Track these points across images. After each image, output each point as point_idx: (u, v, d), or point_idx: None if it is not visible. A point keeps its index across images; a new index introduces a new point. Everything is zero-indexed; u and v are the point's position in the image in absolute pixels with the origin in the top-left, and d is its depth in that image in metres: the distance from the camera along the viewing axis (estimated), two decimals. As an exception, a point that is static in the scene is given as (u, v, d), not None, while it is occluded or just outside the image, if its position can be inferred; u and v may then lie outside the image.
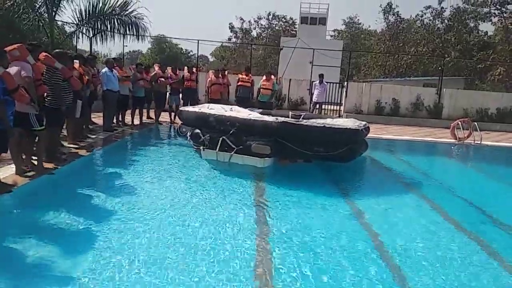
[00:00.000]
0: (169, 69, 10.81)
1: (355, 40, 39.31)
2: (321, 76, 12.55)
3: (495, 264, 3.46)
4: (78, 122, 7.17)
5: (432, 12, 30.81)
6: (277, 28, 40.95)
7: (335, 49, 22.28)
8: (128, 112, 9.69)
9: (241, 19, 40.12)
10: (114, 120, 9.16)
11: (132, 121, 9.75)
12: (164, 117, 10.78)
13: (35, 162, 5.24)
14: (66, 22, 13.19)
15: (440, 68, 20.55)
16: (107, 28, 12.61)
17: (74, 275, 2.80)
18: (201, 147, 6.66)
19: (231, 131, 6.30)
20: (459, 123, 10.81)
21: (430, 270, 3.25)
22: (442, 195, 5.75)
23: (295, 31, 36.10)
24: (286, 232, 3.81)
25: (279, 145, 6.11)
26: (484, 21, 27.92)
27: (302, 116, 7.89)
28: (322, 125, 6.18)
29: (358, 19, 43.21)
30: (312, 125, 6.17)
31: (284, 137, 6.10)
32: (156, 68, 10.59)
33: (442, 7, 30.20)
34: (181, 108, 8.19)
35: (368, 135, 7.19)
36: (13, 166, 4.92)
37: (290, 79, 16.03)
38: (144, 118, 10.33)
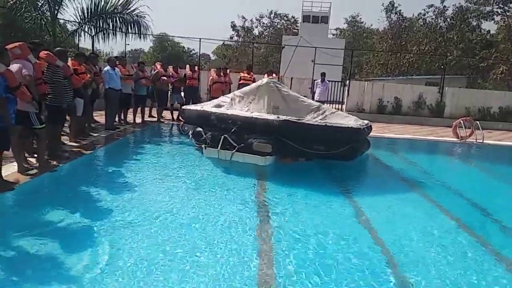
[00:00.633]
0: (170, 68, 10.82)
1: (357, 39, 39.22)
2: (323, 74, 12.54)
3: (498, 264, 3.44)
4: (80, 120, 7.20)
5: (434, 10, 30.71)
6: (279, 26, 40.89)
7: (337, 47, 22.25)
8: (130, 110, 9.71)
9: (243, 17, 40.13)
10: (116, 119, 9.18)
11: (134, 120, 9.77)
12: (166, 115, 10.80)
13: (36, 160, 5.26)
14: (68, 21, 13.21)
15: (442, 66, 20.50)
16: (109, 26, 12.59)
17: (76, 273, 2.80)
18: (203, 146, 6.67)
19: (233, 129, 6.31)
20: (461, 122, 10.78)
21: (431, 268, 3.24)
22: (444, 194, 5.73)
23: (297, 29, 36.02)
24: (288, 230, 3.80)
25: (280, 144, 6.11)
26: (486, 20, 27.76)
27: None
28: (324, 123, 6.18)
29: (360, 18, 43.06)
30: (313, 124, 6.17)
31: (285, 136, 6.10)
32: (158, 66, 10.60)
33: (445, 6, 30.10)
34: (184, 107, 8.20)
35: (370, 133, 7.18)
36: (15, 164, 4.94)
37: (292, 78, 16.02)
38: (146, 116, 10.34)
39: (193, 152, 7.05)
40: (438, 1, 30.17)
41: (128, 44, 16.06)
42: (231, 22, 39.97)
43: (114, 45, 39.15)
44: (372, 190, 5.68)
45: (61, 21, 13.10)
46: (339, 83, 15.49)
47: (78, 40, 13.69)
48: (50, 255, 3.04)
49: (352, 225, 4.13)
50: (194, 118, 7.19)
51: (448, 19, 30.00)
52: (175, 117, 10.81)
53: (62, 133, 6.45)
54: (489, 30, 29.27)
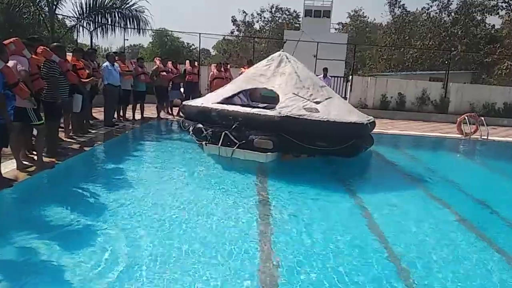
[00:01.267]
0: (169, 63, 10.67)
1: (360, 34, 38.85)
2: (325, 70, 12.38)
3: (505, 263, 3.34)
4: (79, 117, 7.10)
5: (438, 5, 30.36)
6: (280, 21, 40.56)
7: (339, 42, 22.04)
8: (130, 107, 9.60)
9: (244, 12, 39.80)
10: (115, 115, 9.08)
11: (133, 116, 9.66)
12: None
13: (35, 157, 5.18)
14: (67, 16, 13.13)
15: (446, 62, 20.31)
16: (107, 21, 12.50)
17: (73, 271, 2.75)
18: (204, 142, 6.56)
19: (234, 126, 6.20)
20: (466, 117, 10.64)
21: (435, 266, 3.17)
22: (448, 191, 5.63)
23: (299, 24, 35.75)
24: (289, 227, 3.74)
25: (282, 140, 6.00)
26: (491, 14, 27.49)
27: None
28: (326, 119, 6.04)
29: (363, 12, 42.57)
30: (315, 119, 6.03)
31: (287, 132, 5.99)
32: (157, 62, 10.47)
33: (449, 0, 29.79)
34: (184, 103, 8.10)
35: (374, 130, 7.04)
36: (13, 161, 4.87)
37: (294, 73, 15.83)
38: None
39: (193, 149, 6.94)
40: (442, -5, 29.71)
41: (127, 40, 15.97)
42: (232, 17, 39.72)
43: (113, 40, 39.06)
44: (375, 186, 5.58)
45: (60, 16, 13.02)
46: (342, 79, 15.33)
47: (77, 36, 13.61)
48: (49, 252, 3.00)
49: (354, 222, 4.06)
50: (194, 114, 7.08)
51: (452, 14, 29.68)
52: (174, 113, 10.70)
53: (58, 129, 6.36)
54: (493, 25, 29.02)
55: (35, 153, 5.31)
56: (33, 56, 5.09)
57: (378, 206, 4.63)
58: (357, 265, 3.10)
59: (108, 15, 12.34)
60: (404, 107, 14.90)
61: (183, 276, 2.78)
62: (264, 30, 40.01)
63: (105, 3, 12.14)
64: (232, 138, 6.20)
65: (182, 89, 10.77)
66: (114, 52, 9.68)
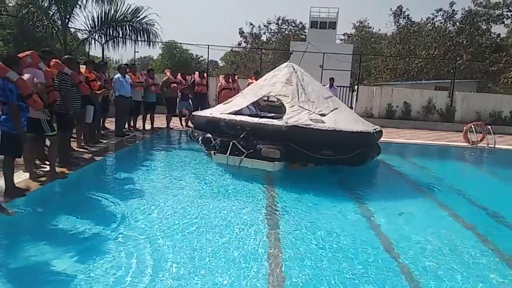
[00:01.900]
0: (178, 75, 10.90)
1: (365, 44, 39.03)
2: (331, 80, 12.52)
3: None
4: (90, 127, 7.27)
5: (443, 15, 30.46)
6: (286, 32, 40.92)
7: (345, 53, 22.19)
8: (140, 117, 9.79)
9: (251, 24, 40.27)
10: (126, 125, 9.26)
11: (144, 126, 9.84)
12: (175, 121, 10.85)
13: (47, 168, 5.31)
14: (79, 29, 13.45)
15: (452, 71, 20.31)
16: (119, 34, 12.79)
17: (87, 281, 2.81)
18: (212, 152, 6.67)
19: (241, 135, 6.31)
20: (472, 126, 10.64)
21: (443, 276, 3.18)
22: (456, 200, 5.63)
23: (305, 35, 36.05)
24: (297, 237, 3.78)
25: (289, 149, 6.09)
26: (496, 23, 27.47)
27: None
28: (332, 128, 6.14)
29: (368, 23, 42.82)
30: (322, 129, 6.13)
31: (294, 141, 6.08)
32: (168, 73, 10.68)
33: (453, 10, 29.85)
34: (193, 113, 8.26)
35: (380, 138, 7.11)
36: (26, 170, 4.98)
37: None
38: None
39: (202, 158, 7.06)
40: (446, 5, 29.80)
41: (138, 52, 16.26)
42: (239, 29, 40.24)
43: (124, 53, 39.63)
44: (383, 196, 5.60)
45: (72, 29, 13.35)
46: (348, 88, 15.42)
47: (89, 48, 13.93)
48: (61, 261, 3.05)
49: (362, 231, 4.08)
50: (203, 124, 7.21)
51: (457, 23, 29.72)
52: (183, 123, 10.87)
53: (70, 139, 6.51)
54: (499, 34, 28.97)
55: (47, 163, 5.42)
56: (47, 68, 5.25)
57: (386, 214, 4.66)
58: (366, 274, 3.12)
59: (119, 28, 12.63)
60: (410, 116, 14.92)
61: (188, 284, 2.84)
62: (271, 42, 40.36)
63: (117, 17, 12.44)
64: (240, 147, 6.31)
65: (190, 100, 10.94)
66: (125, 64, 9.89)
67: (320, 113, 6.49)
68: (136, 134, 9.21)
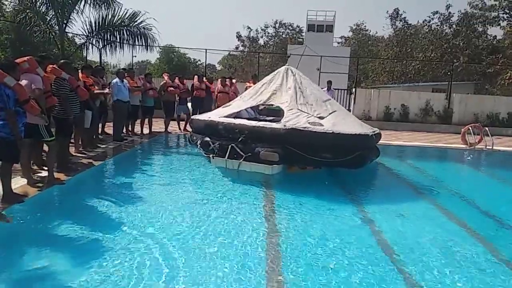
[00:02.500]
0: (176, 79, 10.90)
1: (363, 47, 39.21)
2: (329, 83, 12.54)
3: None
4: (88, 132, 7.25)
5: (439, 17, 30.70)
6: (284, 36, 41.09)
7: (342, 55, 22.28)
8: (138, 121, 9.77)
9: (248, 27, 40.42)
10: (124, 130, 9.25)
11: (142, 131, 9.83)
12: (173, 125, 10.85)
13: (45, 173, 5.28)
14: (76, 34, 13.46)
15: (449, 73, 20.41)
16: (116, 39, 12.80)
17: (84, 286, 2.79)
18: (211, 155, 6.66)
19: (240, 139, 6.31)
20: (470, 128, 10.67)
21: (442, 277, 3.17)
22: (455, 202, 5.64)
23: (302, 38, 36.20)
24: (296, 240, 3.77)
25: (287, 152, 6.08)
26: (492, 26, 27.67)
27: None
28: (331, 131, 6.14)
29: (365, 26, 43.10)
30: (320, 132, 6.13)
31: (292, 144, 6.08)
32: (166, 77, 10.69)
33: (450, 12, 30.09)
34: (192, 117, 8.26)
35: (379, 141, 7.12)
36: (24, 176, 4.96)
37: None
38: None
39: (201, 162, 7.05)
40: (443, 7, 30.14)
41: (135, 56, 16.27)
42: (237, 33, 40.35)
43: (121, 57, 39.69)
44: (381, 198, 5.60)
45: (70, 34, 13.35)
46: (345, 91, 15.47)
47: (86, 53, 13.94)
48: (59, 268, 3.03)
49: (360, 234, 4.08)
50: (202, 128, 7.21)
51: (454, 26, 29.95)
52: (181, 127, 10.86)
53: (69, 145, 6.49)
54: (495, 36, 29.18)
55: (45, 168, 5.40)
56: (45, 74, 5.23)
57: (384, 217, 4.65)
58: (364, 278, 3.11)
59: (117, 33, 12.64)
60: (407, 119, 14.97)
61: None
62: (268, 45, 40.54)
63: (114, 22, 12.45)
64: (239, 150, 6.31)
65: (189, 104, 10.94)
66: (123, 69, 9.89)
67: (318, 116, 6.50)
68: (134, 139, 9.19)
